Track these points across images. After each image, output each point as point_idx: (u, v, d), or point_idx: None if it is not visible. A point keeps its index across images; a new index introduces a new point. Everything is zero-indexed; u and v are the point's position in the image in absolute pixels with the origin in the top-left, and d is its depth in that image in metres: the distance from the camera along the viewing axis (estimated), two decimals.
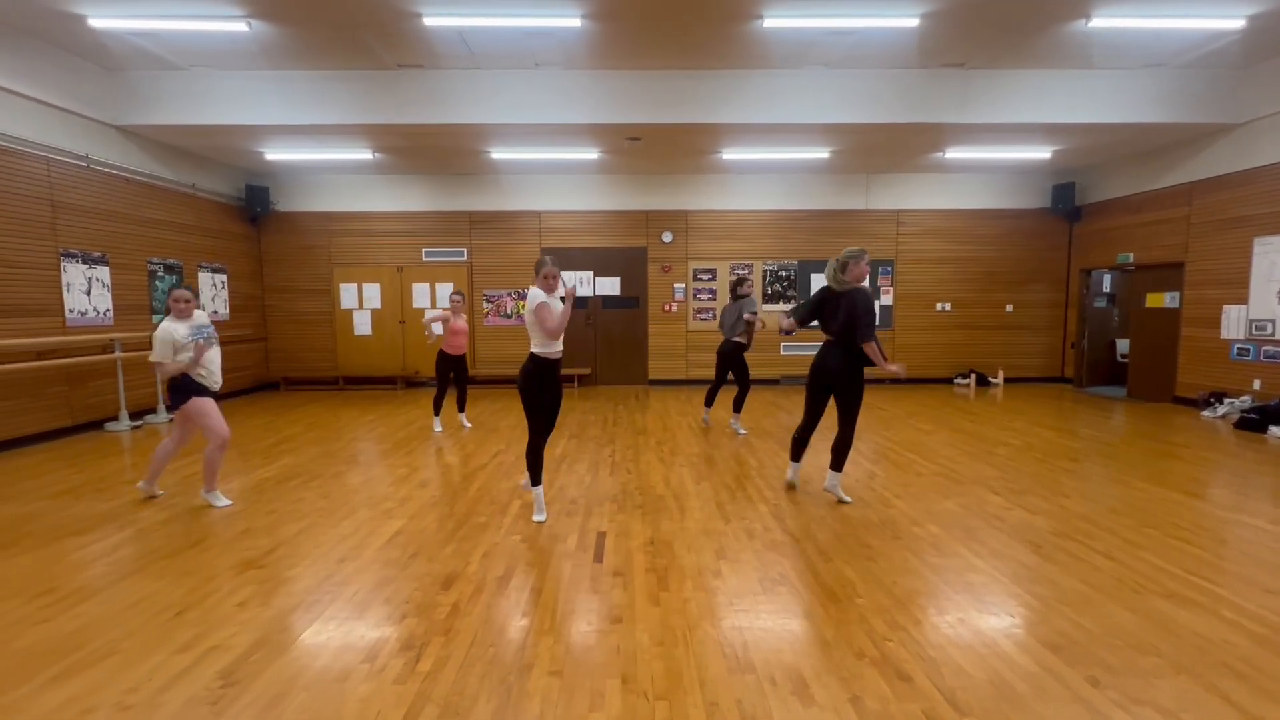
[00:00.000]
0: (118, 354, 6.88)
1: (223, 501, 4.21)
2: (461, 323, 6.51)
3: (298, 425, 7.14)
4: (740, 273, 10.04)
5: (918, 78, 6.96)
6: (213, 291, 8.82)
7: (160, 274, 7.79)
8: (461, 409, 6.90)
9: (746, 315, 6.21)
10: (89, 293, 6.75)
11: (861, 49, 6.39)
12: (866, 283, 4.06)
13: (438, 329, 6.34)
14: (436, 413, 6.68)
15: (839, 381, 4.04)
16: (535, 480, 3.91)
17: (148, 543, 3.57)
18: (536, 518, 3.89)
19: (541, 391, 3.76)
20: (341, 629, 2.61)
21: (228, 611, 2.76)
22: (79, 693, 2.18)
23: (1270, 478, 4.83)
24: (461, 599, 2.86)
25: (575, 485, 4.67)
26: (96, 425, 6.87)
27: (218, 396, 4.20)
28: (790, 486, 4.49)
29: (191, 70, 6.81)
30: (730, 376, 6.50)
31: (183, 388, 4.02)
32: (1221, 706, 2.08)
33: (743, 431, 6.46)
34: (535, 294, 3.69)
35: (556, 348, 3.79)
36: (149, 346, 7.59)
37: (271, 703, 2.12)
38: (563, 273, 3.91)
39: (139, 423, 7.16)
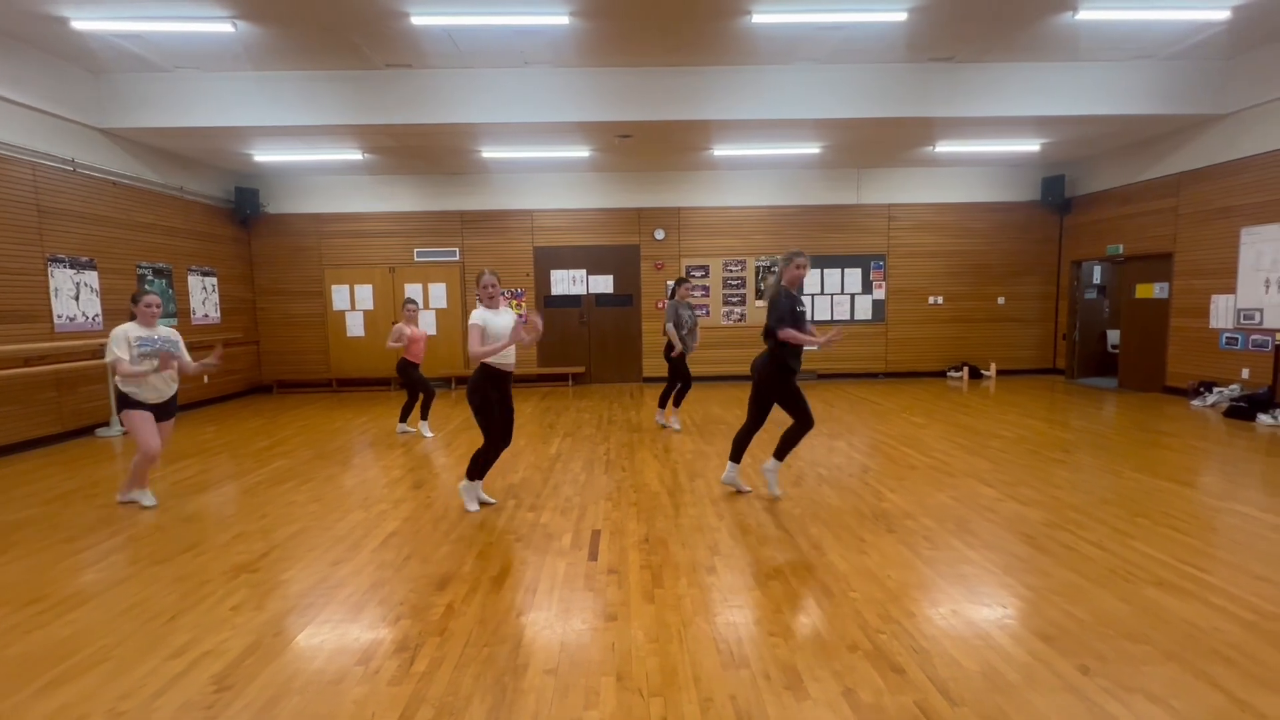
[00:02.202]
0: (108, 359, 6.81)
1: (149, 500, 4.19)
2: (419, 330, 6.40)
3: (290, 428, 7.12)
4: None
5: (907, 72, 6.97)
6: (203, 295, 8.76)
7: (150, 278, 7.74)
8: (423, 415, 6.58)
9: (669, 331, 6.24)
10: (77, 298, 6.69)
11: (850, 44, 6.40)
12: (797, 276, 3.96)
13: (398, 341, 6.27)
14: (424, 417, 6.52)
15: (754, 380, 4.06)
16: (475, 476, 4.01)
17: (140, 548, 3.55)
18: (470, 508, 4.00)
19: (492, 401, 3.84)
20: (336, 631, 2.60)
21: (221, 616, 2.75)
22: (72, 700, 2.17)
23: (1259, 465, 4.88)
24: (456, 599, 2.86)
25: (570, 484, 4.67)
26: (87, 431, 6.83)
27: (165, 412, 4.16)
28: (735, 490, 4.32)
29: (177, 72, 6.76)
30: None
31: (121, 398, 4.03)
32: (1210, 692, 2.10)
33: (677, 427, 6.47)
34: (476, 313, 3.80)
35: (509, 359, 3.87)
36: None
37: (266, 707, 2.11)
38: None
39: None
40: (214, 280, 8.99)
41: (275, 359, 10.09)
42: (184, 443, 6.39)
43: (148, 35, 5.85)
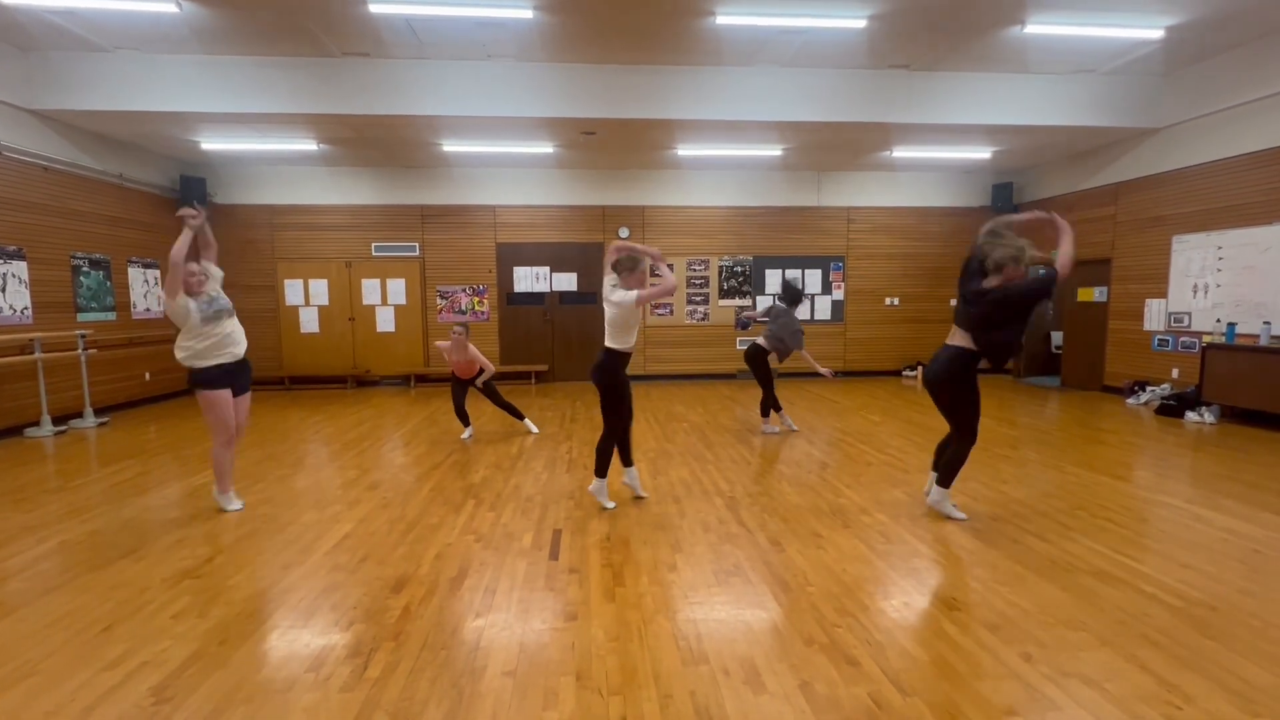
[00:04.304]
0: (38, 354, 6.45)
1: (234, 504, 4.01)
2: (461, 355, 5.90)
3: None
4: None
5: (865, 78, 7.13)
6: (145, 288, 8.35)
7: (85, 269, 7.33)
8: (519, 417, 6.40)
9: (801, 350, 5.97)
10: (4, 290, 6.29)
11: (812, 48, 6.51)
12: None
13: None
14: (464, 423, 6.23)
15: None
16: (601, 472, 3.99)
17: (72, 555, 3.36)
18: (607, 505, 3.99)
19: (621, 382, 3.87)
20: (285, 638, 2.52)
21: (161, 624, 2.62)
22: None
23: (1187, 460, 5.18)
24: (413, 602, 2.80)
25: (532, 483, 4.62)
26: (15, 432, 6.43)
27: (244, 385, 3.97)
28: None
29: (117, 52, 6.41)
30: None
31: (192, 375, 3.81)
32: (1140, 675, 2.22)
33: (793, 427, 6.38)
34: (625, 294, 3.75)
35: (631, 342, 3.88)
36: (73, 346, 7.15)
37: (208, 718, 2.03)
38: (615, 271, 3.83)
39: (63, 428, 6.72)
40: (156, 273, 8.57)
41: None
42: (125, 442, 6.09)
43: (83, 12, 5.53)
